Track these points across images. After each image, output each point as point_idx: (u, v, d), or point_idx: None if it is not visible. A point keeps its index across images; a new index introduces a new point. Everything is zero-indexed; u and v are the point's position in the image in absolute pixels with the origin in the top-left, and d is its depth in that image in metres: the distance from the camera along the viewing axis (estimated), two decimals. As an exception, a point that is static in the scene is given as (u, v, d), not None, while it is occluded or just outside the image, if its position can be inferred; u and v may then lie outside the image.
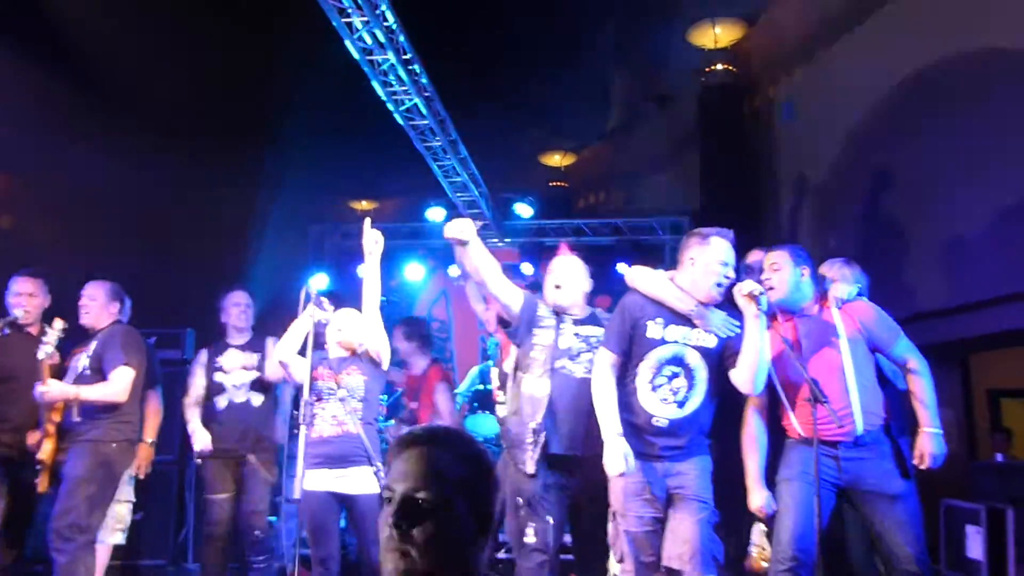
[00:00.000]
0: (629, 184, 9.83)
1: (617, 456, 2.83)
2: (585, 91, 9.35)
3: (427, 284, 9.43)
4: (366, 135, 7.69)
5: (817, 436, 2.73)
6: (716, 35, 8.14)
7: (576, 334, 3.27)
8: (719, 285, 2.95)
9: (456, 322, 9.61)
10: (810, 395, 2.70)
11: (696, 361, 2.93)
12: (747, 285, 2.77)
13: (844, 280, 3.25)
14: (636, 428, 2.93)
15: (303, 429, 3.39)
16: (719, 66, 8.18)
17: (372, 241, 3.49)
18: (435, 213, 8.49)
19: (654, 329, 2.95)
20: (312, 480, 3.47)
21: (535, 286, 3.95)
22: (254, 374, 4.47)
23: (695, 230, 3.07)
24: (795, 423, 3.05)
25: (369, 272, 3.58)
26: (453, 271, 9.03)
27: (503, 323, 3.34)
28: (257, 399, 4.45)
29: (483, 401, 6.83)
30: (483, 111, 7.83)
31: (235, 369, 4.48)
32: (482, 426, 6.60)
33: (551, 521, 3.13)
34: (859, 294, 3.22)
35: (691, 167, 8.53)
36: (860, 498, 3.00)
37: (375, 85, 5.58)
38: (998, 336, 6.23)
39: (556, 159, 10.23)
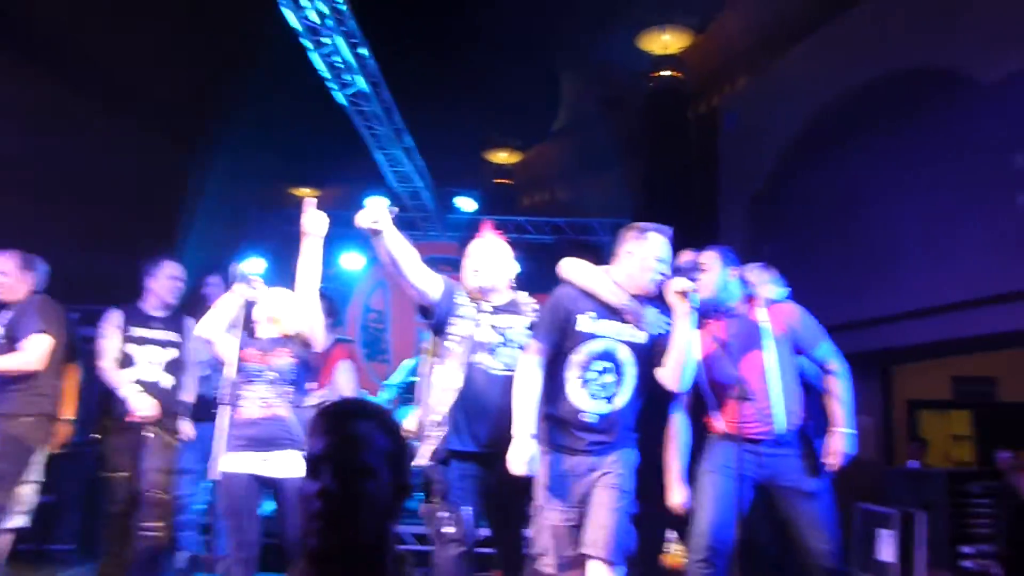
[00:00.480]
0: (573, 184, 9.91)
1: (522, 456, 2.78)
2: (534, 90, 9.39)
3: (365, 274, 9.32)
4: (310, 121, 7.58)
5: (742, 433, 2.77)
6: (665, 42, 8.26)
7: (493, 326, 3.15)
8: (654, 281, 2.92)
9: (393, 313, 9.52)
10: (738, 393, 2.74)
11: (626, 356, 2.91)
12: (678, 282, 2.78)
13: (763, 283, 3.30)
14: (563, 422, 2.90)
15: (224, 410, 3.29)
16: (666, 72, 8.30)
17: (313, 222, 3.39)
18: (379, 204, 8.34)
19: (586, 322, 2.91)
20: (235, 462, 3.37)
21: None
22: (172, 353, 4.24)
23: (633, 224, 3.03)
24: (720, 420, 3.09)
25: (308, 252, 3.47)
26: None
27: (423, 313, 3.19)
28: (167, 380, 4.13)
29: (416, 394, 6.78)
30: (431, 103, 7.80)
31: (151, 344, 4.22)
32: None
33: (467, 511, 3.06)
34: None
35: (635, 170, 8.64)
36: (778, 494, 3.05)
37: (320, 64, 5.48)
38: (919, 348, 6.47)
39: (502, 156, 10.25)
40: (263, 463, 3.41)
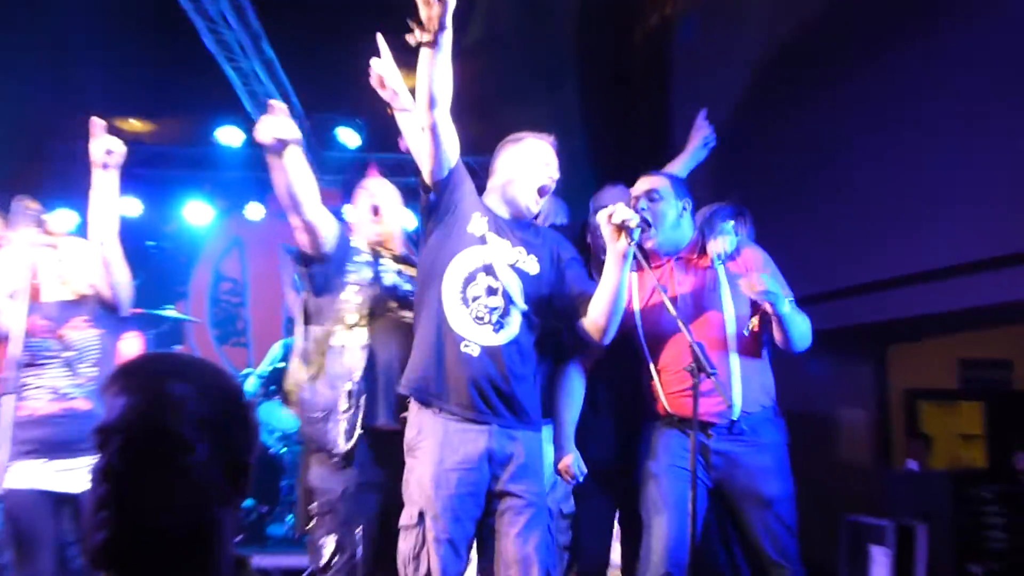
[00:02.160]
0: (490, 115, 9.80)
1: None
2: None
3: (215, 230, 9.12)
4: (138, 30, 7.27)
5: (697, 417, 2.74)
6: (606, -69, 8.21)
7: (400, 272, 3.28)
8: (542, 191, 3.05)
9: (253, 282, 9.40)
10: (692, 363, 2.69)
11: (513, 284, 2.94)
12: (620, 211, 2.75)
13: (722, 233, 3.29)
14: (442, 360, 2.88)
15: (6, 401, 3.13)
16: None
17: (103, 150, 3.27)
18: (228, 135, 8.22)
19: (478, 223, 2.97)
20: (20, 474, 3.24)
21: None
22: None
23: (505, 138, 3.17)
24: (662, 396, 3.09)
25: (101, 189, 3.36)
26: (252, 211, 8.77)
27: (304, 261, 3.23)
28: None
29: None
30: (300, 8, 7.57)
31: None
32: (277, 417, 6.43)
33: (359, 534, 3.03)
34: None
35: (566, 99, 8.60)
36: (728, 498, 3.09)
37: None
38: (918, 322, 6.63)
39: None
40: (58, 475, 3.30)
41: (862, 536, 5.01)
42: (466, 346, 2.86)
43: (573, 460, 3.13)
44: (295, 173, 2.98)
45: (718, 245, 3.14)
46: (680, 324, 2.74)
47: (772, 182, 7.16)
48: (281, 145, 2.92)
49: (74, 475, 3.33)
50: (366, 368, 3.12)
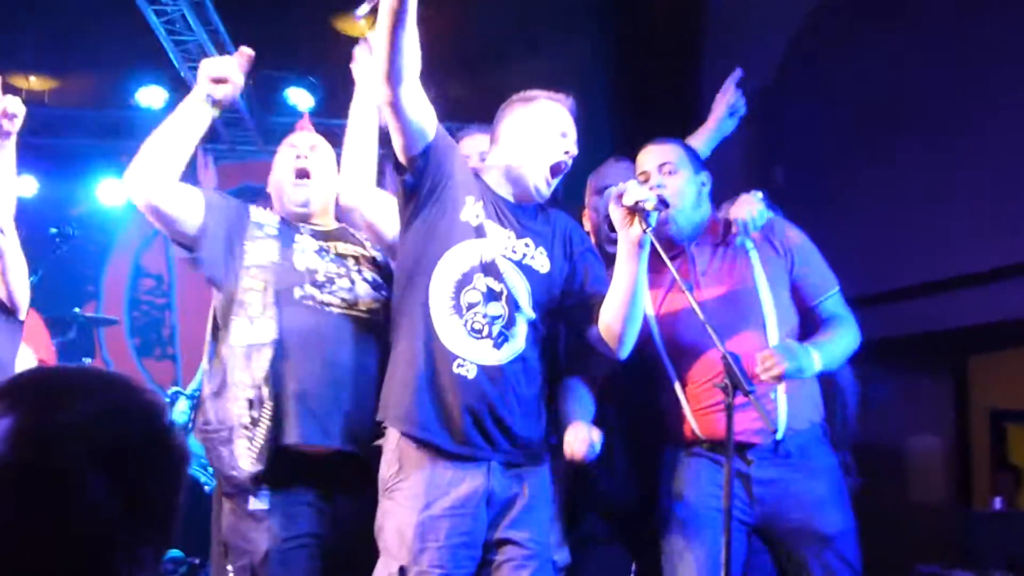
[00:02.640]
0: (476, 72, 9.80)
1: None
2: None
3: (135, 214, 9.05)
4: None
5: (732, 441, 2.74)
6: None
7: (322, 250, 3.21)
8: (556, 169, 2.97)
9: (181, 280, 9.35)
10: (724, 378, 2.69)
11: (519, 285, 2.91)
12: (633, 190, 2.74)
13: (748, 202, 3.28)
14: (430, 382, 2.85)
15: None
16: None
17: None
18: (150, 95, 8.30)
19: (472, 209, 2.92)
20: None
21: None
22: None
23: (512, 97, 3.10)
24: (689, 416, 3.08)
25: None
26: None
27: (185, 251, 3.19)
28: None
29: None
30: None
31: None
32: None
33: None
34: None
35: (572, 55, 8.61)
36: (778, 536, 3.08)
37: None
38: (1004, 328, 6.64)
39: (361, 26, 10.06)
40: None
41: (936, 592, 5.05)
42: (460, 366, 2.81)
43: (586, 429, 3.00)
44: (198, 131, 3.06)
45: (742, 210, 3.12)
46: (708, 329, 2.72)
47: (820, 162, 7.19)
48: (213, 100, 2.97)
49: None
50: (272, 371, 3.01)
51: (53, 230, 7.66)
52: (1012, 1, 5.87)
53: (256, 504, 2.99)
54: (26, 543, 1.23)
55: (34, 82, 9.47)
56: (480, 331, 2.83)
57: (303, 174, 3.27)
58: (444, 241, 2.88)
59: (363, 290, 3.17)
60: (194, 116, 2.99)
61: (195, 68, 7.63)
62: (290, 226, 3.26)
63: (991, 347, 7.56)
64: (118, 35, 7.32)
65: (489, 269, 2.87)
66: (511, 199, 3.01)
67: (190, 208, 3.08)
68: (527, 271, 2.93)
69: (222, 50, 7.32)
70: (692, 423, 3.09)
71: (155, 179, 2.99)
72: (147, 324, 9.42)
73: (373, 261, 3.29)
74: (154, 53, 7.27)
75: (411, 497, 2.77)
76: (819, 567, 3.01)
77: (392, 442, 2.85)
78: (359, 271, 3.20)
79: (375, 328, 3.14)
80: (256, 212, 3.25)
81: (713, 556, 2.93)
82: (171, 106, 8.31)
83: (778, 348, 2.91)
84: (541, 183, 2.98)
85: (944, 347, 7.25)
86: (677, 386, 3.12)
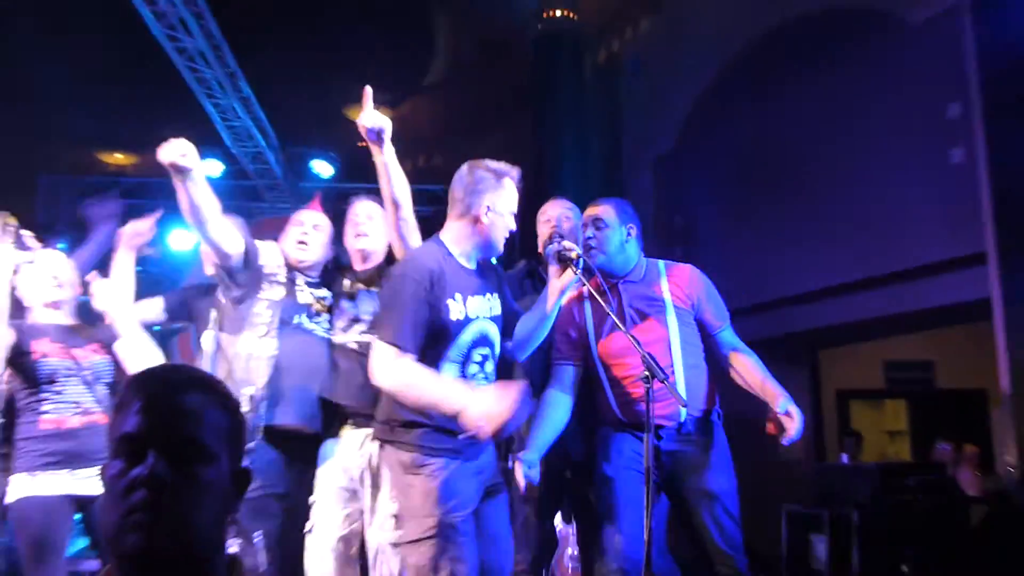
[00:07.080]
0: (453, 146, 9.80)
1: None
2: (405, 34, 9.23)
3: (198, 254, 8.96)
4: (123, 68, 7.20)
5: (653, 417, 2.72)
6: (556, -26, 8.26)
7: (319, 297, 3.21)
8: (505, 238, 2.86)
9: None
10: (645, 371, 2.68)
11: (494, 334, 2.88)
12: (567, 245, 2.72)
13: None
14: (445, 426, 2.76)
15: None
16: (558, 12, 8.28)
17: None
18: (209, 168, 8.10)
19: (456, 309, 2.73)
20: (42, 483, 3.21)
21: None
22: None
23: (474, 164, 2.84)
24: (614, 405, 3.07)
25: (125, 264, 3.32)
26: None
27: (224, 272, 3.15)
28: None
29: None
30: (276, 48, 7.53)
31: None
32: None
33: (259, 542, 2.93)
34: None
35: (524, 129, 8.61)
36: (679, 494, 3.07)
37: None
38: (847, 328, 6.72)
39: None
40: (79, 482, 3.29)
41: (801, 525, 5.07)
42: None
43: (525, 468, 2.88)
44: (196, 196, 2.91)
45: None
46: (630, 337, 2.71)
47: (713, 209, 7.24)
48: (184, 168, 2.80)
49: (93, 480, 3.29)
50: (271, 378, 3.02)
51: (138, 268, 7.55)
52: (867, 72, 5.95)
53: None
54: (185, 499, 1.20)
55: (119, 158, 9.39)
56: (475, 375, 2.75)
57: (304, 244, 3.22)
58: (440, 350, 2.71)
59: (338, 323, 3.17)
60: (187, 189, 2.91)
61: (243, 146, 7.65)
62: (294, 272, 3.24)
63: (835, 343, 7.68)
64: (183, 120, 7.25)
65: (480, 341, 2.78)
66: (474, 258, 2.85)
67: (236, 247, 3.05)
68: (495, 320, 2.86)
69: (263, 132, 7.27)
70: (617, 411, 3.07)
71: (212, 223, 2.94)
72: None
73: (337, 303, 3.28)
74: (211, 134, 7.18)
75: (441, 470, 2.67)
76: (709, 517, 2.99)
77: (415, 433, 2.71)
78: (344, 310, 3.18)
79: (337, 347, 3.14)
80: (267, 257, 3.21)
81: (635, 500, 2.91)
82: (226, 175, 8.34)
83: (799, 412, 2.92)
84: (501, 248, 2.89)
85: (802, 344, 7.31)
86: (607, 386, 3.09)
